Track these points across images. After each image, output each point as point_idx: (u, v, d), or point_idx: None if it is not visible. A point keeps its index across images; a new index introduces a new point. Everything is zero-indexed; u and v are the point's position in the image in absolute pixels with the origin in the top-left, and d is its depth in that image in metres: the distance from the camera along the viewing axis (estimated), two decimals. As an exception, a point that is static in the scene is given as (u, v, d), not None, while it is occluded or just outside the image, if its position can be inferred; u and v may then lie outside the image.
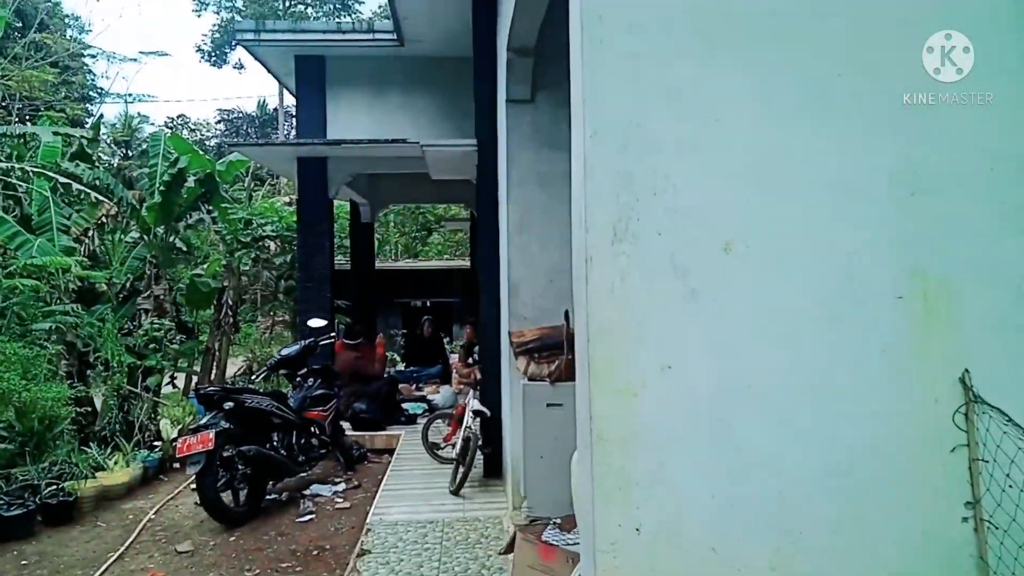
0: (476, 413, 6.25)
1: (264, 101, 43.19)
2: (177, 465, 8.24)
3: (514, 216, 5.32)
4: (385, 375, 9.29)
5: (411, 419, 9.00)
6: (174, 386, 12.90)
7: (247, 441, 6.42)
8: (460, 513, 5.50)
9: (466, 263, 21.58)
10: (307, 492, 7.03)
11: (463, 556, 4.60)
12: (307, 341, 7.60)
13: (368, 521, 5.37)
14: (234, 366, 14.88)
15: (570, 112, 4.83)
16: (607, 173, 2.10)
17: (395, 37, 8.62)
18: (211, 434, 5.99)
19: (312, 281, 9.07)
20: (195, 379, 12.49)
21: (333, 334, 8.19)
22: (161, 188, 12.98)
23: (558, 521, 3.98)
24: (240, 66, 45.16)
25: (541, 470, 4.88)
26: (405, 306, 20.93)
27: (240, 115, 45.22)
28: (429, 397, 9.78)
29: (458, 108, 9.27)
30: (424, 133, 8.82)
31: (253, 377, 7.64)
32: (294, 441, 6.94)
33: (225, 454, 6.20)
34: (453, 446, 6.69)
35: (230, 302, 16.60)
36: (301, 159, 9.09)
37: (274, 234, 15.86)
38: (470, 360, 12.08)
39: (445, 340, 14.58)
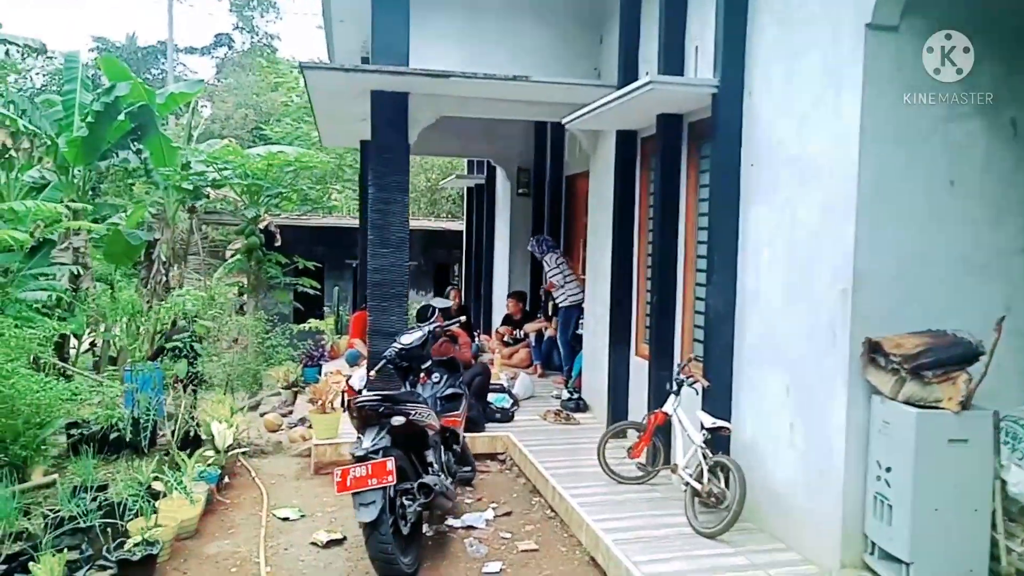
0: (713, 431, 4.89)
1: (134, 34, 38.45)
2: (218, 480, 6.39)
3: (867, 181, 3.97)
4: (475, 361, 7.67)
5: (506, 416, 7.46)
6: (94, 354, 10.69)
7: (413, 466, 4.80)
8: (759, 572, 4.17)
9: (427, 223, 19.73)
10: (455, 524, 5.46)
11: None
12: (432, 326, 5.91)
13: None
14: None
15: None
16: None
17: (517, -54, 6.91)
18: (390, 464, 4.34)
19: (388, 246, 7.23)
20: (114, 345, 10.19)
21: (463, 317, 6.52)
22: (89, 120, 10.63)
23: None
24: (119, -12, 40.00)
25: (936, 526, 3.65)
26: (357, 267, 18.85)
27: (118, 46, 40.29)
28: (505, 386, 8.26)
29: (567, 44, 7.71)
30: (525, 69, 7.20)
31: (370, 373, 5.89)
32: (443, 459, 5.33)
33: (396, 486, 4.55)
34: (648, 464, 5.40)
35: (163, 258, 14.34)
36: (377, 94, 7.17)
37: (240, 182, 13.61)
38: (507, 339, 10.59)
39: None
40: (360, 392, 7.49)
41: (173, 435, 6.27)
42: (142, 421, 6.34)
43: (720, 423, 4.88)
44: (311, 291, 14.56)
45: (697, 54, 5.73)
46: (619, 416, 6.89)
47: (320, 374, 10.57)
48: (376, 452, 4.42)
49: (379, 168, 7.23)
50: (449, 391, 5.87)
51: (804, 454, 4.40)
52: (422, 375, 5.83)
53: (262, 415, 8.83)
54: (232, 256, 19.63)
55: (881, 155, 3.99)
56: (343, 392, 7.28)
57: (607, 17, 7.62)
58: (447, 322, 6.07)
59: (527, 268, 11.45)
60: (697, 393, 5.22)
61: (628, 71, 6.74)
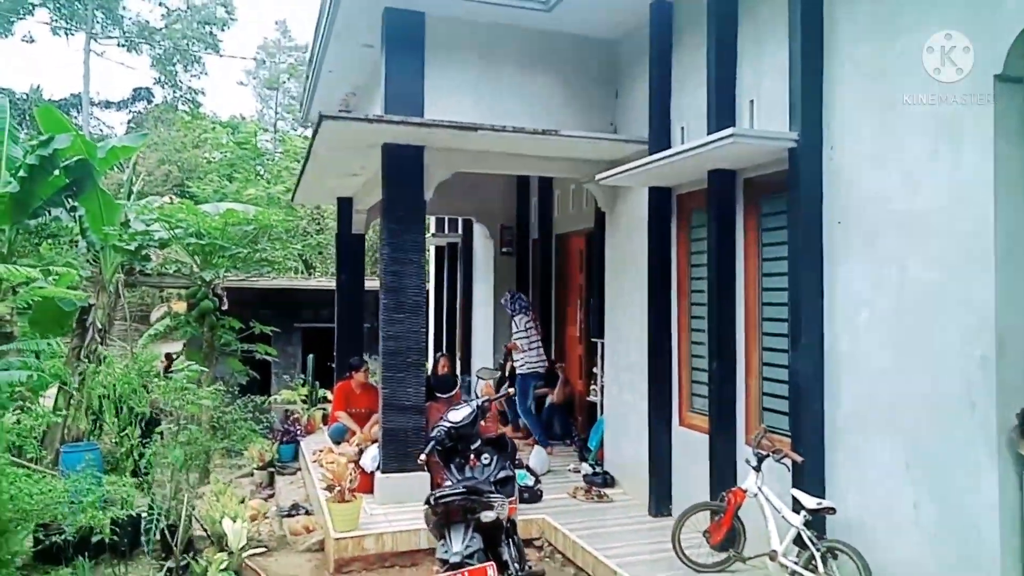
0: (815, 512, 4.49)
1: (38, 87, 36.61)
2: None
3: (1004, 236, 3.74)
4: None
5: (534, 495, 6.85)
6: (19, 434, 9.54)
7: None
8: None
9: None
10: (524, 628, 4.80)
11: None
12: (481, 401, 5.34)
13: None
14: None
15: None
16: None
17: (544, -1, 6.62)
18: (492, 571, 3.78)
19: (404, 311, 6.65)
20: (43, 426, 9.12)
21: (512, 389, 5.93)
22: (22, 175, 9.80)
23: None
24: (30, 39, 38.21)
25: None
26: (308, 331, 17.84)
27: (23, 98, 38.18)
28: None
29: (583, 97, 7.44)
30: (540, 122, 6.90)
31: (420, 457, 5.20)
32: (513, 555, 4.71)
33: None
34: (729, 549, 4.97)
35: (99, 325, 13.21)
36: (390, 148, 6.71)
37: (197, 241, 12.67)
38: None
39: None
40: (373, 474, 6.83)
41: (172, 535, 5.40)
42: (144, 521, 5.45)
43: (824, 503, 4.49)
44: (268, 358, 13.62)
45: (753, 108, 5.52)
46: (663, 492, 6.42)
47: (297, 452, 9.71)
48: (471, 556, 3.82)
49: (393, 227, 6.70)
50: (502, 474, 5.27)
51: (936, 536, 4.03)
52: (471, 457, 5.23)
53: (240, 501, 7.91)
54: (157, 321, 18.33)
55: (1015, 209, 3.78)
56: (356, 476, 6.60)
57: (623, 72, 7.42)
58: (496, 394, 5.51)
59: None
60: (788, 469, 4.82)
61: (661, 126, 6.49)
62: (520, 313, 8.89)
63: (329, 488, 6.07)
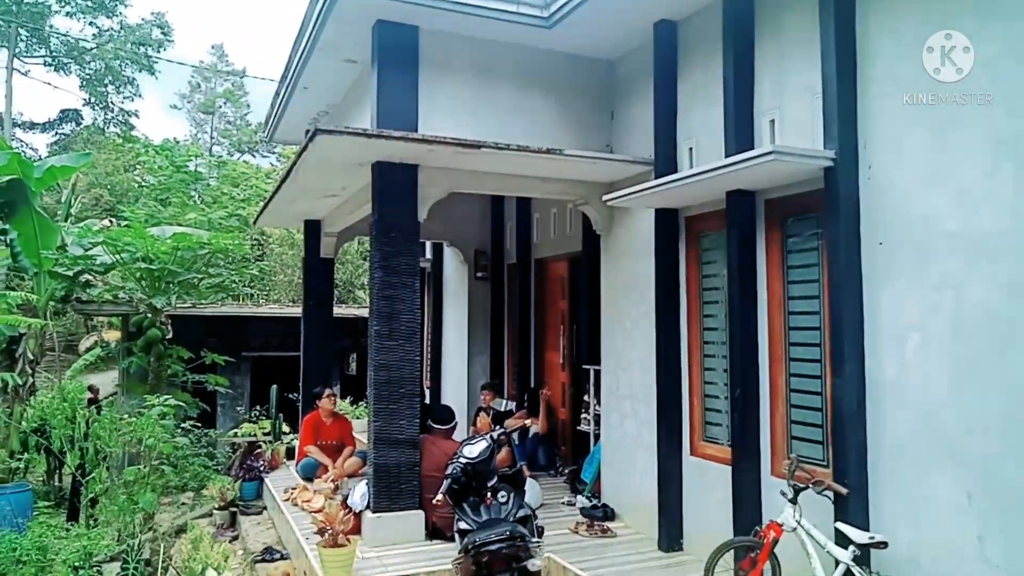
0: (866, 546, 4.24)
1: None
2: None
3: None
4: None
5: (536, 532, 6.42)
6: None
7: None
8: None
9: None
10: None
11: None
12: (496, 433, 4.97)
13: None
14: None
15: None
16: None
17: (546, 16, 6.35)
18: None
19: (396, 338, 6.20)
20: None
21: (530, 420, 5.52)
22: None
23: None
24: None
25: None
26: (257, 361, 16.98)
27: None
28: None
29: (580, 119, 7.19)
30: (537, 142, 6.62)
31: (436, 498, 4.73)
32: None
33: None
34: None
35: (29, 355, 12.35)
36: (383, 166, 6.32)
37: (147, 266, 11.88)
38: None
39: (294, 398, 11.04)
40: (361, 514, 6.31)
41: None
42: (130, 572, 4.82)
43: (877, 536, 4.25)
44: (220, 389, 12.89)
45: (773, 127, 5.37)
46: (673, 526, 6.12)
47: (261, 490, 9.05)
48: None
49: (385, 249, 6.29)
50: (520, 513, 4.89)
51: (1004, 570, 3.82)
52: (487, 495, 4.82)
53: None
54: (87, 351, 17.22)
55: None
56: (350, 518, 6.07)
57: (619, 92, 7.23)
58: (510, 427, 5.13)
59: (487, 357, 10.58)
60: (831, 500, 4.57)
61: (667, 146, 6.30)
62: None
63: (321, 531, 5.54)
